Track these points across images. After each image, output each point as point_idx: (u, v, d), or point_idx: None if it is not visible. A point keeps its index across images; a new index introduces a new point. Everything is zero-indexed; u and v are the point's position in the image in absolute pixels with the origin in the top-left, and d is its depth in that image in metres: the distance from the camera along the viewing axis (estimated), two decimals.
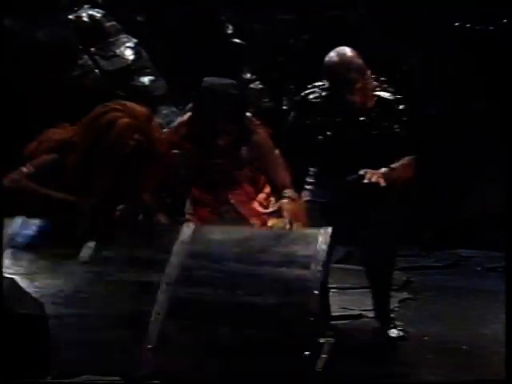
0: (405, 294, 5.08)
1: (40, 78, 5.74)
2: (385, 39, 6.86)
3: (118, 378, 2.36)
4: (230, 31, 6.95)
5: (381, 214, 4.09)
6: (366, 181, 3.88)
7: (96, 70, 6.30)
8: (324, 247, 2.67)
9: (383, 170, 3.97)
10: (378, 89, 4.23)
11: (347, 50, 4.21)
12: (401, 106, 4.21)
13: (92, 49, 6.36)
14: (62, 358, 2.40)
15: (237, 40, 6.96)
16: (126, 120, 3.14)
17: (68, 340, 2.52)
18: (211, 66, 6.67)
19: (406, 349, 4.18)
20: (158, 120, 3.47)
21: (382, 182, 3.89)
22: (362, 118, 4.14)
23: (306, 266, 2.61)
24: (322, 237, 2.73)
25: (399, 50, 6.84)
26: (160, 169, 3.23)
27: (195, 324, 2.52)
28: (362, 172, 3.93)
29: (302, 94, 4.32)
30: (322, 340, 2.61)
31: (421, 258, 6.21)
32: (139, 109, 3.25)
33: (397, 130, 4.14)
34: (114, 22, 6.45)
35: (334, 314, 4.35)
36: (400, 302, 4.83)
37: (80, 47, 6.30)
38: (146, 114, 3.25)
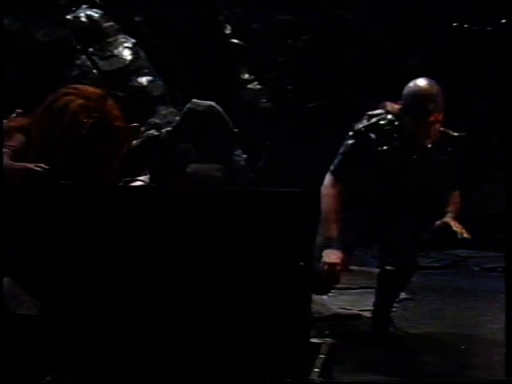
0: (403, 295, 5.07)
1: (38, 78, 5.74)
2: (384, 39, 6.87)
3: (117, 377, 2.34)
4: (228, 31, 6.95)
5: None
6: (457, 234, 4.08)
7: (94, 71, 6.30)
8: None
9: (450, 217, 4.15)
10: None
11: (433, 83, 4.14)
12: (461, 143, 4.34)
13: (90, 49, 6.36)
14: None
15: (235, 40, 6.97)
16: (78, 102, 3.07)
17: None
18: (210, 66, 6.68)
19: (405, 349, 4.18)
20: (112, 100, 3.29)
21: (466, 234, 4.08)
22: (427, 149, 4.17)
23: None
24: None
25: (399, 50, 6.85)
26: (122, 145, 3.14)
27: None
28: (445, 221, 4.12)
29: (372, 121, 4.22)
30: (319, 341, 2.61)
31: (419, 259, 6.19)
32: (92, 90, 3.16)
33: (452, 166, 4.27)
34: (112, 23, 6.45)
35: (333, 314, 4.36)
36: (398, 302, 4.82)
37: (78, 47, 6.30)
38: (100, 93, 3.15)
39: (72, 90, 3.15)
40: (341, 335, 3.88)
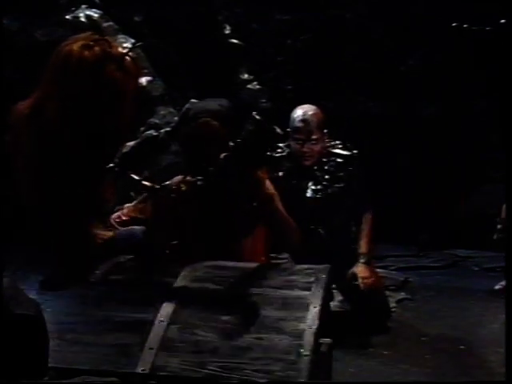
0: (402, 294, 5.08)
1: (38, 78, 5.73)
2: (384, 39, 6.87)
3: (115, 378, 2.35)
4: (227, 31, 6.95)
5: None
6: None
7: None
8: (324, 276, 2.72)
9: (362, 263, 4.25)
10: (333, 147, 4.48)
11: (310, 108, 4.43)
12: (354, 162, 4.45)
13: None
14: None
15: (235, 40, 6.96)
16: (79, 43, 2.96)
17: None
18: (209, 66, 6.68)
19: (404, 349, 4.18)
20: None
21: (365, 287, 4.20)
22: (315, 171, 4.39)
23: (307, 289, 2.65)
24: (323, 270, 2.79)
25: (398, 50, 6.85)
26: (133, 76, 3.06)
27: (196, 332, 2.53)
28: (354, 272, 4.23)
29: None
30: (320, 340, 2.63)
31: (418, 259, 6.21)
32: (86, 34, 3.00)
33: (353, 185, 4.40)
34: (111, 23, 6.44)
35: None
36: (398, 302, 4.83)
37: None
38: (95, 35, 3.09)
39: (68, 41, 2.99)
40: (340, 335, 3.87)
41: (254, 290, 2.66)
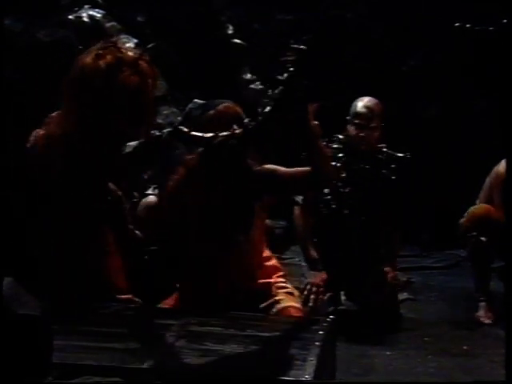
0: (405, 295, 5.07)
1: (39, 78, 5.73)
2: (384, 39, 6.86)
3: (119, 379, 2.34)
4: (230, 31, 6.95)
5: None
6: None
7: None
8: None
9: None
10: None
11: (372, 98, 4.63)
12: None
13: None
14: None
15: (237, 40, 6.96)
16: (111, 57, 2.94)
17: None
18: (211, 66, 6.67)
19: (407, 349, 4.17)
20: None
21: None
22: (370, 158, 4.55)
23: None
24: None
25: (398, 50, 6.84)
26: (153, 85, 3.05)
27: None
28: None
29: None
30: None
31: (421, 259, 6.20)
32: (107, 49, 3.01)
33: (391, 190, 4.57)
34: (114, 23, 6.44)
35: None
36: (400, 302, 4.82)
37: (80, 47, 6.28)
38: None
39: (82, 55, 3.01)
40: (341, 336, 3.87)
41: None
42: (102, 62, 2.94)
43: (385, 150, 4.59)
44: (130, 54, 3.01)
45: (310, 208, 4.53)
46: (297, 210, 4.58)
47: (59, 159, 2.93)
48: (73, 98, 2.98)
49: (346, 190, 4.49)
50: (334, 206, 4.48)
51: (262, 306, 3.10)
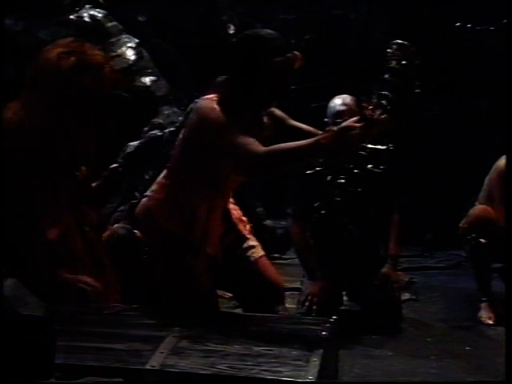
0: (407, 295, 5.07)
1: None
2: (386, 39, 6.85)
3: (121, 379, 2.34)
4: (232, 31, 6.94)
5: None
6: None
7: None
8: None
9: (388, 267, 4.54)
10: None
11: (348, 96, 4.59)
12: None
13: None
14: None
15: None
16: (56, 51, 3.03)
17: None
18: (213, 65, 6.66)
19: (409, 349, 4.17)
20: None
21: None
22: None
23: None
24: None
25: None
26: (110, 85, 3.10)
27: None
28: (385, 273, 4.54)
29: None
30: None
31: (423, 259, 6.20)
32: (68, 40, 3.14)
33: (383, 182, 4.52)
34: (115, 22, 6.44)
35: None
36: (402, 302, 4.81)
37: None
38: (76, 41, 3.12)
39: (49, 47, 3.11)
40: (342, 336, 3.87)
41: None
42: (64, 64, 2.99)
43: (367, 145, 4.48)
44: (95, 58, 3.05)
45: (301, 217, 4.53)
46: (291, 221, 4.61)
47: (13, 146, 2.98)
48: (32, 90, 3.07)
49: (335, 193, 4.47)
50: (323, 212, 4.46)
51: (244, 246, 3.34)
